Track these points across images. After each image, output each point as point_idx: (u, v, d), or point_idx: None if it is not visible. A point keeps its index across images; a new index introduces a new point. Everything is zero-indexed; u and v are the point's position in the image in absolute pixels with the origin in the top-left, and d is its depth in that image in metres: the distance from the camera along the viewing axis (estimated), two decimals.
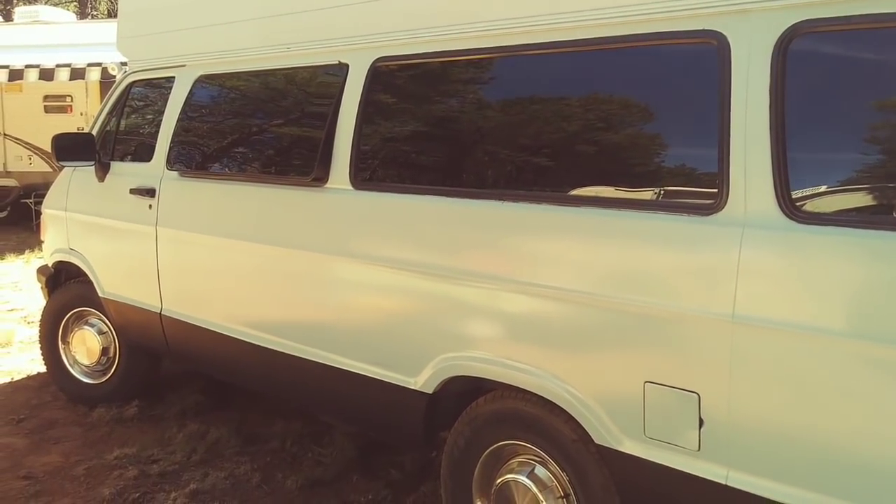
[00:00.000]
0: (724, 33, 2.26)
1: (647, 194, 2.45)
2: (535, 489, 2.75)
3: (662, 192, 2.41)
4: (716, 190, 2.25)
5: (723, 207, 2.23)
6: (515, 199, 2.73)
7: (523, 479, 2.79)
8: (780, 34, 2.15)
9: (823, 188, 2.16)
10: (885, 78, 2.08)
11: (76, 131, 5.14)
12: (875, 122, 2.10)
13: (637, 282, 2.39)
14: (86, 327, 5.00)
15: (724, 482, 2.25)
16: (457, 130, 3.05)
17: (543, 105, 2.78)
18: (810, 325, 2.06)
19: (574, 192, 2.64)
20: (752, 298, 2.15)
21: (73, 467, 4.14)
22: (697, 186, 2.36)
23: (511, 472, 2.85)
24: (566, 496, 2.73)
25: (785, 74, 2.14)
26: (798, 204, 2.12)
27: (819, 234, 2.07)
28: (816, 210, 2.11)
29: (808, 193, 2.14)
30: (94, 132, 4.81)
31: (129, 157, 4.66)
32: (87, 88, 12.10)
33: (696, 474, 2.30)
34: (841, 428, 2.05)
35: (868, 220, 2.02)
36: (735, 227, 2.19)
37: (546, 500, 2.73)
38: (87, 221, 4.77)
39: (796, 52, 2.14)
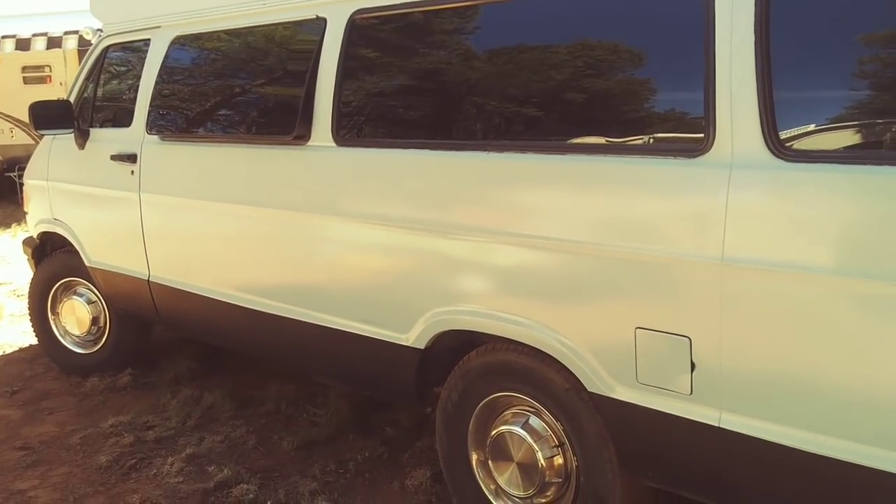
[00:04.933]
0: None
1: (632, 138, 2.41)
2: (529, 439, 2.76)
3: (648, 135, 2.38)
4: (702, 132, 2.21)
5: (709, 149, 2.19)
6: (500, 149, 2.69)
7: (518, 429, 2.79)
8: None
9: (811, 125, 2.13)
10: (872, 11, 2.04)
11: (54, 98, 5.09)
12: (863, 57, 2.06)
13: (625, 227, 2.37)
14: (74, 297, 4.97)
15: (716, 424, 2.25)
16: (440, 82, 2.99)
17: (527, 53, 2.73)
18: (801, 264, 2.04)
19: (559, 140, 2.60)
20: (741, 240, 2.13)
21: (68, 436, 4.14)
22: (683, 128, 2.33)
23: (505, 423, 2.85)
24: (561, 445, 2.74)
25: (770, 10, 2.09)
26: (786, 142, 2.08)
27: (808, 172, 2.04)
28: (805, 147, 2.08)
29: (795, 131, 2.11)
30: (72, 99, 4.73)
31: (109, 123, 4.58)
32: (65, 57, 11.92)
33: (689, 418, 2.30)
34: (833, 366, 2.04)
35: (858, 156, 2.00)
36: (722, 167, 2.16)
37: (541, 450, 2.74)
38: (69, 190, 4.71)
39: None
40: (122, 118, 4.40)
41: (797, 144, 2.09)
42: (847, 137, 2.07)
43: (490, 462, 2.92)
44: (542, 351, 2.64)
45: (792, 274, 2.06)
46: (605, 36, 2.54)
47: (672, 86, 2.40)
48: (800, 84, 2.15)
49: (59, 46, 11.41)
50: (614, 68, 2.51)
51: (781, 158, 2.08)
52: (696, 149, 2.22)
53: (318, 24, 3.29)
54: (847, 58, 2.07)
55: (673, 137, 2.35)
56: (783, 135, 2.09)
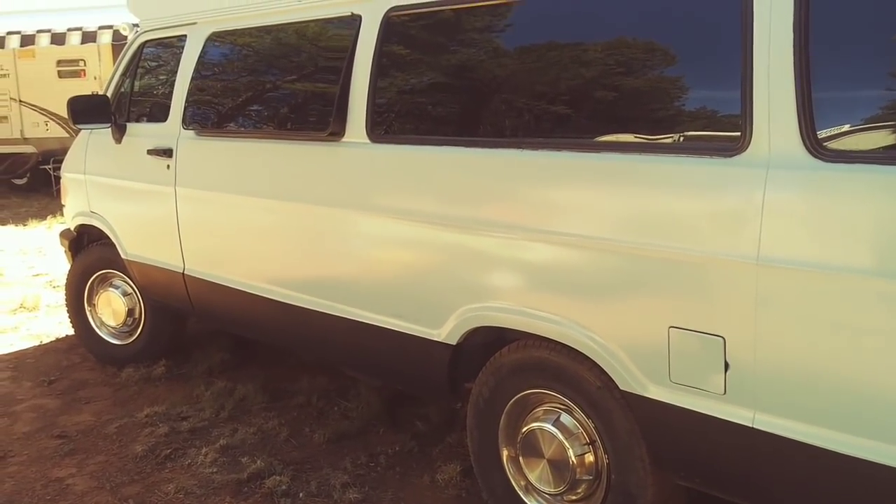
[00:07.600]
0: None
1: (668, 137, 2.40)
2: (560, 437, 2.77)
3: (684, 134, 2.37)
4: (738, 131, 2.20)
5: (746, 148, 2.18)
6: (535, 146, 2.69)
7: (549, 427, 2.80)
8: None
9: (850, 125, 2.11)
10: None
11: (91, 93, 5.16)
12: None
13: (660, 227, 2.36)
14: (110, 289, 5.05)
15: (750, 425, 2.24)
16: (473, 79, 3.00)
17: (561, 50, 2.72)
18: (837, 265, 2.03)
19: (594, 138, 2.60)
20: (777, 239, 2.12)
21: (104, 426, 4.22)
22: (720, 127, 2.32)
23: (536, 420, 2.86)
24: (592, 443, 2.75)
25: (809, 7, 2.08)
26: (824, 142, 2.07)
27: (846, 172, 2.02)
28: (843, 148, 2.06)
29: (834, 131, 2.09)
30: (109, 94, 4.80)
31: (145, 117, 4.65)
32: (99, 52, 12.07)
33: (723, 418, 2.30)
34: (870, 368, 2.03)
35: None
36: (759, 167, 2.15)
37: (572, 448, 2.75)
38: (106, 184, 4.79)
39: None
40: (158, 113, 4.46)
41: (835, 144, 2.07)
42: (886, 137, 2.04)
43: (521, 458, 2.93)
44: (574, 349, 2.65)
45: (829, 275, 2.05)
46: (641, 33, 2.52)
47: (708, 84, 2.39)
48: (839, 83, 2.13)
49: (94, 41, 11.57)
50: (650, 66, 2.50)
51: (819, 158, 2.06)
52: (732, 148, 2.21)
53: (353, 22, 3.31)
54: (887, 56, 2.05)
55: (709, 136, 2.34)
56: (821, 134, 2.08)
